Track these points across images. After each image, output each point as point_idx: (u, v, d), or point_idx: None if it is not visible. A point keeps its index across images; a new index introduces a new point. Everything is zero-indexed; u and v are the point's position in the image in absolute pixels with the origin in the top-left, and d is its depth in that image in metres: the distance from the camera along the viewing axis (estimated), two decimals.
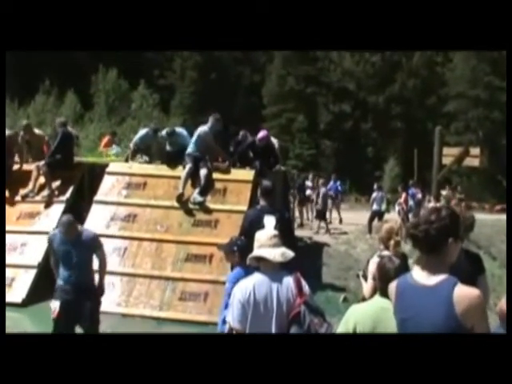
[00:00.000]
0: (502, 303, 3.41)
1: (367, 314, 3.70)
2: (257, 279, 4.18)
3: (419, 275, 2.95)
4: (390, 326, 3.57)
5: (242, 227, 7.59)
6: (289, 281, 4.20)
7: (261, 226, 6.57)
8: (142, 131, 12.59)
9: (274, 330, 4.07)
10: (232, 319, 4.18)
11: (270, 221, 6.97)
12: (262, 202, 7.41)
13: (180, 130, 12.24)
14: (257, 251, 4.29)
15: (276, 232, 4.54)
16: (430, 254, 2.93)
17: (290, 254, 4.29)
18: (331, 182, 22.18)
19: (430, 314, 2.82)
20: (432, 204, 17.68)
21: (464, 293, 2.81)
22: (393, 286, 3.10)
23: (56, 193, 11.15)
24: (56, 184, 11.26)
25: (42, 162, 11.18)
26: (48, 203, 10.98)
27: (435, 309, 2.81)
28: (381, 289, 3.79)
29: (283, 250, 4.29)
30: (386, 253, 5.67)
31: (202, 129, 11.21)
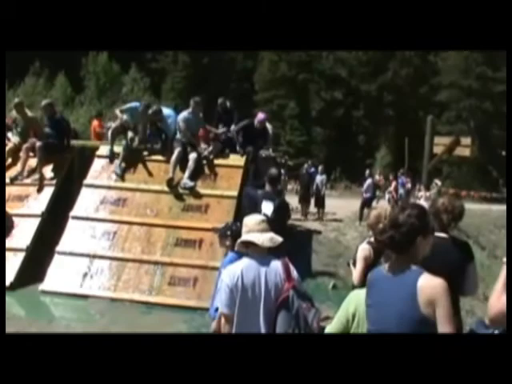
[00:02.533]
0: (496, 308, 3.21)
1: None
2: (245, 264, 4.18)
3: (388, 266, 3.11)
4: None
5: (242, 207, 7.58)
6: (277, 265, 4.20)
7: (257, 209, 6.61)
8: (134, 104, 12.09)
9: (262, 315, 4.08)
10: (220, 304, 4.19)
11: (267, 207, 6.97)
12: (268, 188, 7.41)
13: (167, 111, 11.95)
14: (245, 236, 4.28)
15: (264, 217, 4.53)
16: (399, 255, 3.05)
17: (279, 239, 4.29)
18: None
19: (393, 301, 2.93)
20: (422, 193, 17.76)
21: (427, 282, 2.89)
22: (367, 277, 3.26)
23: (46, 176, 11.07)
24: (46, 167, 11.16)
25: (37, 144, 11.01)
26: (38, 186, 10.90)
27: (399, 297, 2.92)
28: None
29: (271, 235, 4.28)
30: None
31: (181, 114, 11.26)
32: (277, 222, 7.23)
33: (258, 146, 11.31)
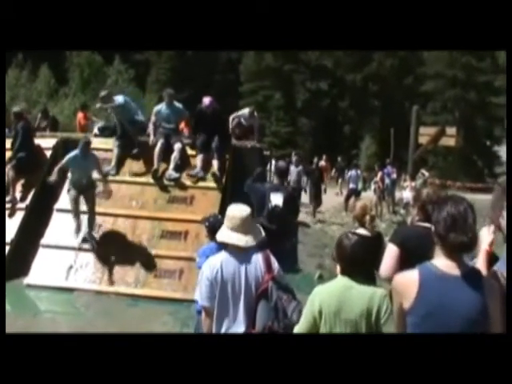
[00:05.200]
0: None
1: (332, 294, 3.66)
2: (224, 257, 4.11)
3: (444, 265, 2.75)
4: (356, 304, 3.57)
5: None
6: (257, 258, 4.14)
7: (265, 203, 6.62)
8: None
9: (242, 308, 4.04)
10: (200, 297, 4.11)
11: (277, 198, 6.94)
12: (275, 181, 7.37)
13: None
14: (228, 236, 4.13)
15: (249, 212, 4.30)
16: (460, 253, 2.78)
17: (262, 234, 4.23)
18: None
19: (462, 305, 2.69)
20: (408, 183, 17.80)
21: (490, 281, 2.76)
22: (413, 277, 2.78)
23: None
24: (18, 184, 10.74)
25: (7, 166, 10.57)
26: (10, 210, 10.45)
27: (469, 300, 2.69)
28: (341, 267, 3.76)
29: (256, 231, 4.20)
30: (361, 230, 5.69)
31: (155, 107, 11.32)
32: (288, 214, 7.23)
33: (218, 134, 10.84)
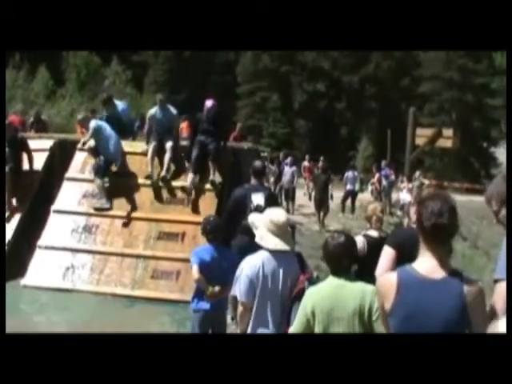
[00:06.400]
0: None
1: (324, 295, 3.72)
2: (265, 255, 4.38)
3: (423, 268, 2.78)
4: (348, 303, 3.65)
5: (227, 205, 7.55)
6: (294, 258, 4.47)
7: (246, 203, 6.63)
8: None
9: (279, 305, 4.31)
10: (239, 294, 4.36)
11: (258, 198, 6.94)
12: (253, 181, 7.36)
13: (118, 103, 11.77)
14: (275, 243, 4.40)
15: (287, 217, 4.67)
16: (445, 245, 2.82)
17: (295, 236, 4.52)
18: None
19: (440, 308, 2.70)
20: (405, 184, 17.84)
21: (473, 287, 2.75)
22: (391, 280, 2.82)
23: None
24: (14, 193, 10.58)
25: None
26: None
27: (447, 303, 2.70)
28: (329, 267, 3.86)
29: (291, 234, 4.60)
30: (371, 231, 5.79)
31: (148, 112, 11.36)
32: None
33: (213, 135, 10.59)
